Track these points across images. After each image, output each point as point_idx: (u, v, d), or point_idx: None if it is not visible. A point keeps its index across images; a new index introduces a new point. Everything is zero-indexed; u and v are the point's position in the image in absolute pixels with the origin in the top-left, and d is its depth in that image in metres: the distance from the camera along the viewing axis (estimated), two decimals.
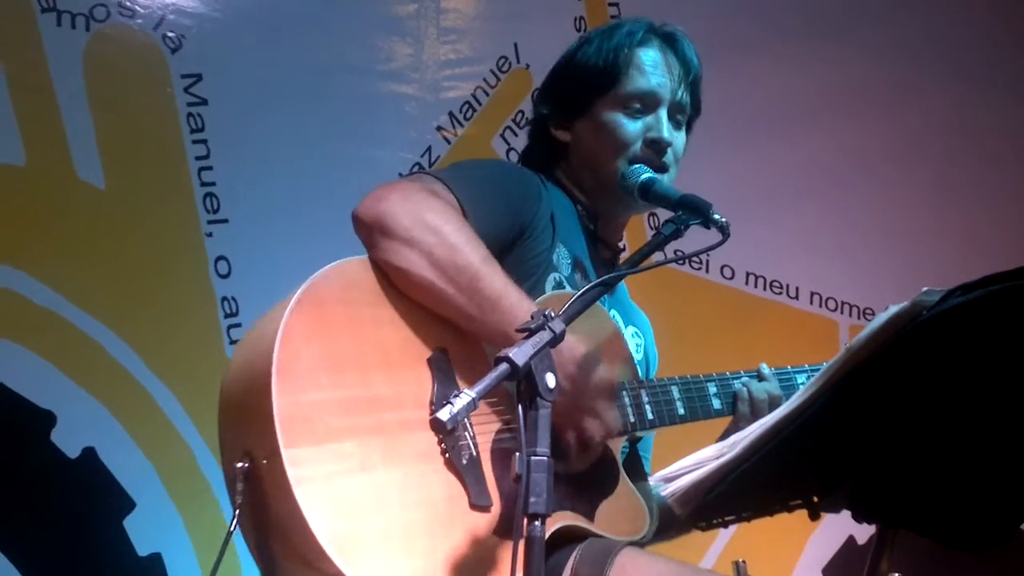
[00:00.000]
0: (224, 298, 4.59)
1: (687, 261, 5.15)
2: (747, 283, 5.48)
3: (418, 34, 4.96)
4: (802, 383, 3.26)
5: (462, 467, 2.64)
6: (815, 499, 2.39)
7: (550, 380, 2.39)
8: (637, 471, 3.10)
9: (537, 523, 2.30)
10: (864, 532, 2.55)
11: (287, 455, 2.44)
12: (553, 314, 2.47)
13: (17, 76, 4.41)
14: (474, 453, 2.68)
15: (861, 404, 2.20)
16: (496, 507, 2.66)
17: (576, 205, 3.26)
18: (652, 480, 2.37)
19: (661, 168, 3.21)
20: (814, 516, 2.41)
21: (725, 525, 2.39)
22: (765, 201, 5.42)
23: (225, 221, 4.61)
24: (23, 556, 4.23)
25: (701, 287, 5.36)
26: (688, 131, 3.35)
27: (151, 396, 4.46)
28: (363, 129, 4.85)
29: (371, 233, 2.73)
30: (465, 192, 2.85)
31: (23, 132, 4.39)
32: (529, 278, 2.96)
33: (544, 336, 2.42)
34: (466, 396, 2.28)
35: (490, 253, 2.76)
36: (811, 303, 5.55)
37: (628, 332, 3.29)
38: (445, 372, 2.71)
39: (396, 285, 2.73)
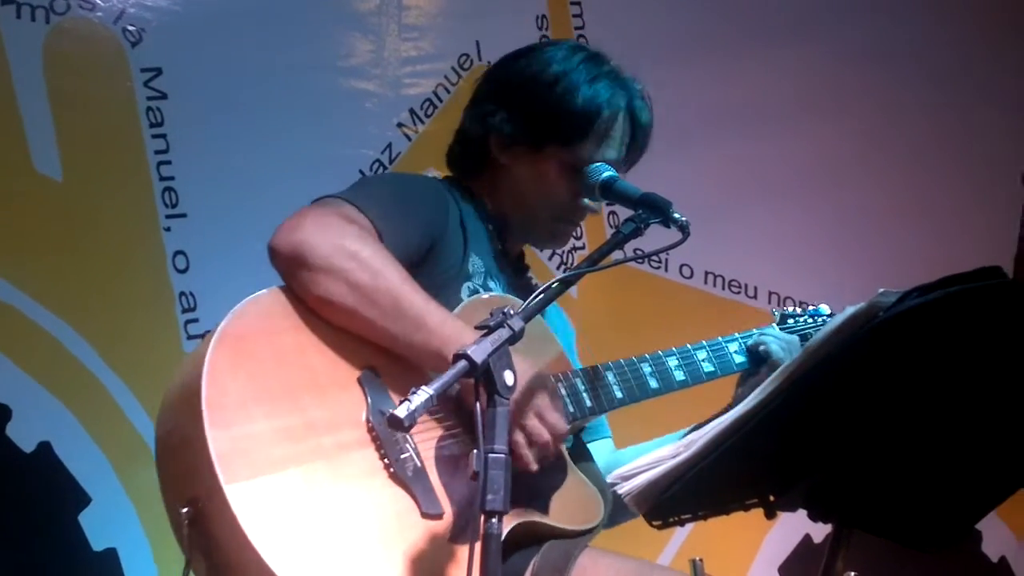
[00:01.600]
0: (182, 293, 4.57)
1: (646, 260, 5.15)
2: (706, 282, 5.49)
3: (379, 30, 4.95)
4: (736, 351, 3.34)
5: (408, 479, 2.64)
6: (771, 498, 2.41)
7: (508, 378, 2.40)
8: (584, 457, 3.11)
9: (494, 520, 2.31)
10: (820, 531, 2.56)
11: (229, 491, 2.43)
12: (512, 311, 2.48)
13: None
14: (419, 464, 2.68)
15: (818, 404, 2.21)
16: (448, 514, 2.67)
17: (483, 216, 3.24)
18: (609, 478, 2.37)
19: (575, 228, 3.32)
20: (770, 515, 2.42)
21: (682, 524, 2.39)
22: (726, 201, 5.44)
23: (184, 216, 4.58)
24: None
25: (660, 286, 5.37)
26: None
27: (107, 391, 4.43)
28: (323, 125, 4.84)
29: (289, 265, 2.72)
30: (376, 212, 2.84)
31: None
32: (444, 287, 2.96)
33: (503, 334, 2.43)
34: (424, 393, 2.29)
35: (407, 274, 2.76)
36: (769, 302, 5.57)
37: None
38: (377, 387, 2.71)
39: (319, 314, 2.72)
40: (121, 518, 4.35)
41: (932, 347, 2.16)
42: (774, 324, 3.46)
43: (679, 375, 3.21)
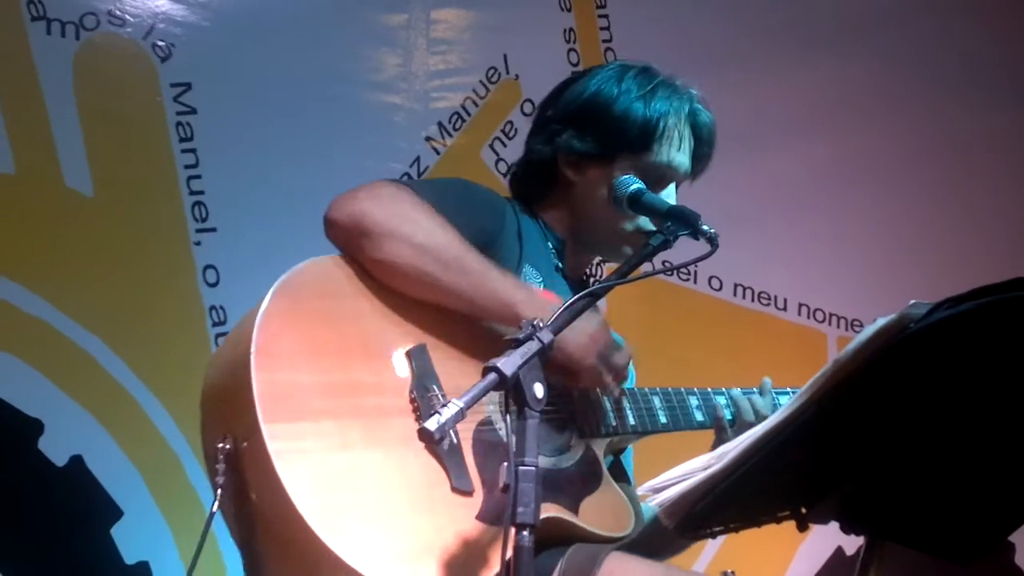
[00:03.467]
0: (212, 307, 4.59)
1: (675, 272, 5.14)
2: (735, 294, 5.48)
3: (407, 45, 4.97)
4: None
5: (443, 452, 2.66)
6: (803, 510, 2.40)
7: (538, 390, 2.40)
8: (621, 477, 3.13)
9: (525, 533, 2.31)
10: (852, 543, 2.55)
11: (267, 430, 2.46)
12: (541, 324, 2.48)
13: (6, 84, 4.40)
14: (455, 440, 2.70)
15: (849, 416, 2.20)
16: (478, 493, 2.69)
17: (547, 239, 3.26)
18: (640, 490, 2.37)
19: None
20: (802, 527, 2.41)
21: (713, 536, 2.39)
22: (754, 212, 5.42)
23: (213, 230, 4.60)
24: (10, 564, 4.21)
25: (689, 298, 5.36)
26: None
27: (139, 404, 4.45)
28: (352, 139, 4.85)
29: (350, 234, 2.77)
30: (430, 196, 2.86)
31: (12, 140, 4.38)
32: None
33: (532, 346, 2.43)
34: (454, 406, 2.30)
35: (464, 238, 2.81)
36: (799, 314, 5.55)
37: None
38: (425, 363, 2.74)
39: (383, 280, 2.77)
40: (153, 531, 4.37)
41: (964, 358, 2.15)
42: None
43: (727, 414, 3.22)
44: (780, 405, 3.24)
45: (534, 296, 2.74)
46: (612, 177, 3.19)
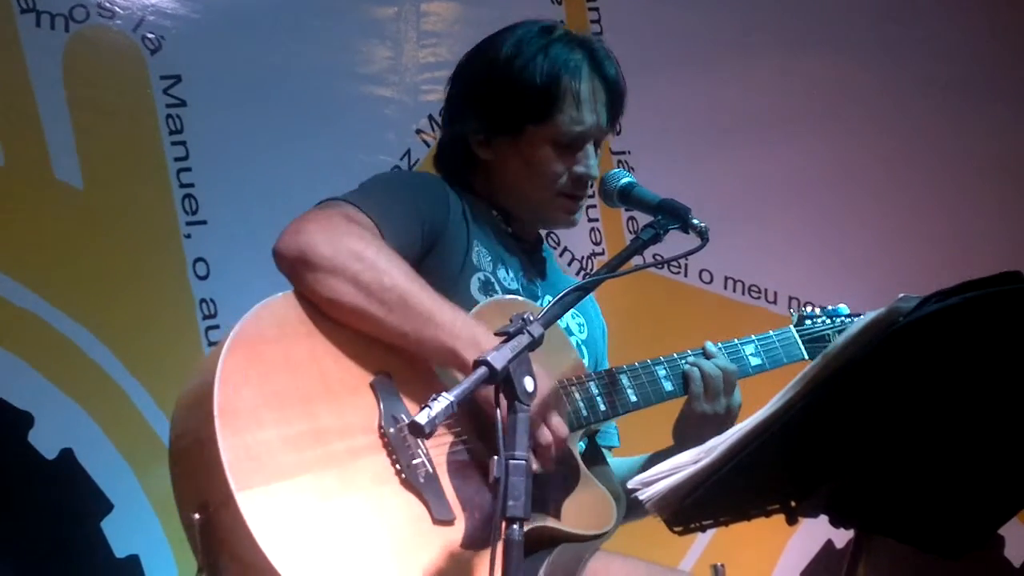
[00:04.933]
0: (202, 299, 4.59)
1: (666, 265, 5.15)
2: (726, 287, 5.48)
3: (398, 37, 4.96)
4: (751, 353, 3.29)
5: (420, 485, 2.63)
6: (793, 504, 2.40)
7: (528, 384, 2.40)
8: (598, 461, 3.11)
9: (515, 527, 2.31)
10: (842, 536, 2.55)
11: (241, 498, 2.43)
12: (532, 317, 2.48)
13: None
14: (430, 470, 2.67)
15: (838, 410, 2.21)
16: (460, 520, 2.67)
17: (487, 207, 3.23)
18: (630, 484, 2.36)
19: (582, 198, 3.23)
20: (792, 520, 2.41)
21: (703, 529, 2.39)
22: (744, 206, 5.43)
23: (204, 223, 4.60)
24: (1, 558, 4.21)
25: (680, 291, 5.36)
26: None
27: (129, 397, 4.45)
28: (342, 132, 4.85)
29: (295, 267, 2.73)
30: (377, 210, 2.85)
31: (1, 133, 4.38)
32: (452, 280, 2.98)
33: (522, 340, 2.43)
34: (444, 399, 2.28)
35: (414, 271, 2.77)
36: (790, 307, 5.54)
37: (567, 314, 3.24)
38: (390, 393, 2.71)
39: (329, 315, 2.72)
40: (143, 524, 4.37)
41: (952, 352, 2.16)
42: (791, 326, 3.44)
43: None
44: (745, 355, 3.27)
45: (476, 337, 2.67)
46: (524, 149, 3.17)
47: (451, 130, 3.30)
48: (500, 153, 3.21)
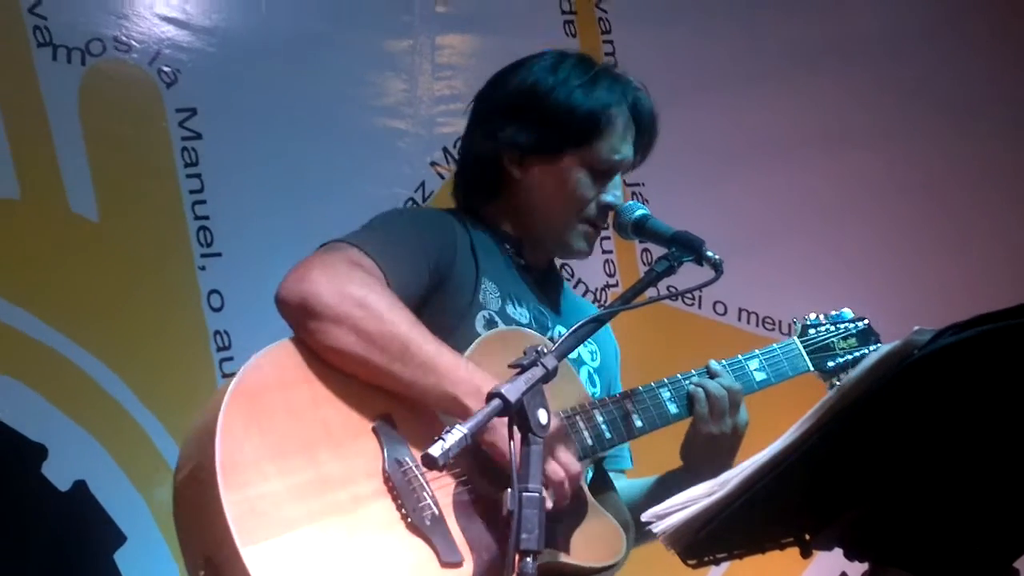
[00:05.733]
0: (217, 331, 4.59)
1: (680, 297, 5.14)
2: (739, 319, 5.48)
3: (412, 70, 4.98)
4: (756, 368, 3.27)
5: (426, 528, 2.63)
6: (807, 537, 2.39)
7: (542, 416, 2.40)
8: (604, 488, 3.08)
9: (529, 559, 2.30)
10: (857, 569, 2.54)
11: (246, 554, 2.42)
12: (546, 350, 2.48)
13: (12, 110, 4.41)
14: (436, 512, 2.66)
15: (853, 442, 2.20)
16: (468, 561, 2.65)
17: (498, 238, 3.23)
18: (643, 517, 2.35)
19: (603, 228, 3.25)
20: (806, 554, 2.40)
21: (717, 562, 2.38)
22: (758, 237, 5.43)
23: (219, 255, 4.61)
24: None
25: (694, 323, 5.36)
26: None
27: (142, 429, 4.45)
28: (357, 164, 4.86)
29: (297, 315, 2.73)
30: (381, 252, 2.84)
31: (17, 165, 4.39)
32: (459, 319, 2.97)
33: (536, 372, 2.43)
34: (458, 431, 2.28)
35: (416, 318, 2.77)
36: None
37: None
38: (392, 437, 2.70)
39: (331, 364, 2.72)
40: (156, 556, 4.35)
41: (968, 385, 2.15)
42: (795, 337, 3.42)
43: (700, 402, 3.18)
44: (750, 371, 3.27)
45: (476, 382, 2.66)
46: (559, 172, 3.17)
47: (484, 145, 3.25)
48: (532, 173, 3.20)
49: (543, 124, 3.17)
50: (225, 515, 2.43)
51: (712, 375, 3.18)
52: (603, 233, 3.30)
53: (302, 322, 2.72)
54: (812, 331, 3.44)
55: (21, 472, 4.31)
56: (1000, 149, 5.85)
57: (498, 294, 3.09)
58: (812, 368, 3.37)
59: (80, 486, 4.36)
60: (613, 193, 3.20)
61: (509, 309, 3.10)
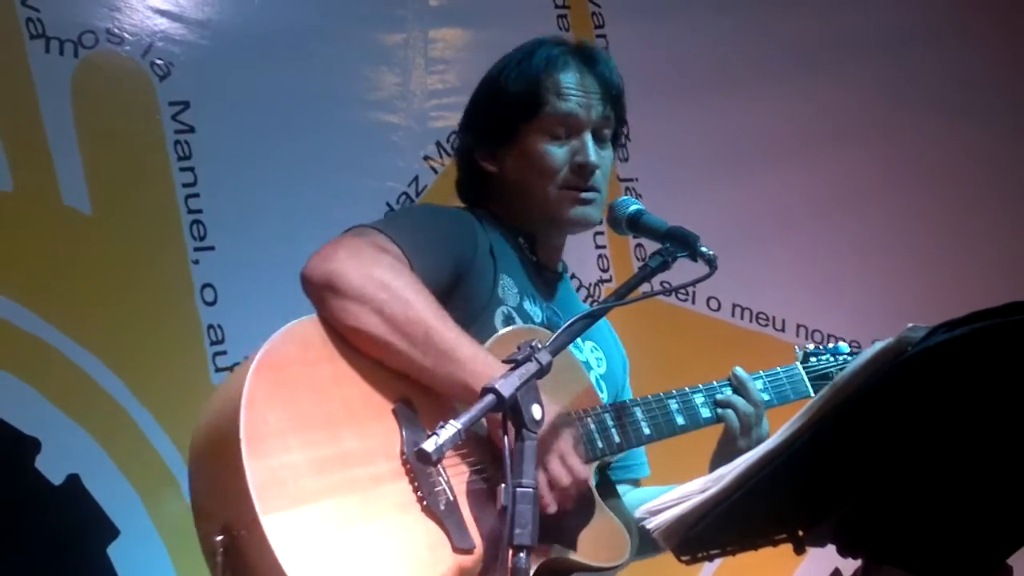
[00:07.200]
0: (210, 325, 4.58)
1: (674, 293, 5.14)
2: (733, 315, 5.49)
3: (405, 64, 4.97)
4: (760, 389, 3.28)
5: (440, 512, 2.64)
6: (800, 533, 2.39)
7: (536, 412, 2.40)
8: (611, 492, 3.10)
9: (522, 554, 2.31)
10: (850, 566, 2.55)
11: (266, 521, 2.43)
12: (540, 345, 2.48)
13: (5, 102, 4.41)
14: (451, 497, 2.68)
15: (847, 439, 2.20)
16: (479, 548, 2.67)
17: (513, 236, 3.24)
18: (637, 513, 2.36)
19: (590, 190, 3.21)
20: (799, 550, 2.41)
21: (710, 559, 2.39)
22: (752, 233, 5.43)
23: (212, 249, 4.60)
24: None
25: (687, 319, 5.36)
26: (614, 145, 3.35)
27: (136, 423, 4.45)
28: (350, 158, 4.86)
29: (321, 293, 2.74)
30: (407, 241, 2.86)
31: (10, 158, 4.38)
32: (478, 315, 2.97)
33: (530, 368, 2.43)
34: (451, 427, 2.29)
35: (440, 306, 2.78)
36: (797, 335, 5.56)
37: (586, 347, 3.30)
38: (411, 420, 2.71)
39: (352, 343, 2.73)
40: (149, 551, 4.36)
41: (961, 382, 2.15)
42: (797, 363, 3.44)
43: (705, 412, 3.20)
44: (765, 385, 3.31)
45: (491, 372, 2.61)
46: (523, 150, 3.19)
47: (460, 156, 3.36)
48: (505, 163, 3.23)
49: (494, 112, 3.23)
50: (247, 482, 2.44)
51: (737, 383, 3.23)
52: (597, 228, 3.30)
53: (325, 299, 2.73)
54: (813, 359, 3.48)
55: (14, 466, 4.30)
56: (997, 149, 5.86)
57: (516, 290, 3.11)
58: (813, 394, 3.40)
59: (73, 480, 4.36)
60: (582, 153, 3.18)
61: (526, 305, 3.12)
